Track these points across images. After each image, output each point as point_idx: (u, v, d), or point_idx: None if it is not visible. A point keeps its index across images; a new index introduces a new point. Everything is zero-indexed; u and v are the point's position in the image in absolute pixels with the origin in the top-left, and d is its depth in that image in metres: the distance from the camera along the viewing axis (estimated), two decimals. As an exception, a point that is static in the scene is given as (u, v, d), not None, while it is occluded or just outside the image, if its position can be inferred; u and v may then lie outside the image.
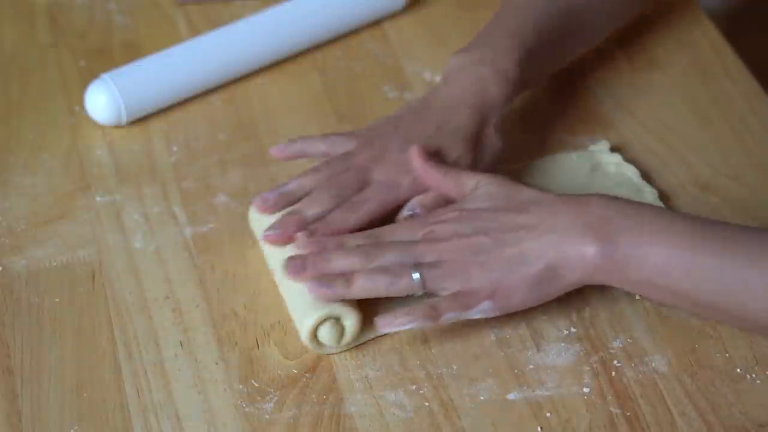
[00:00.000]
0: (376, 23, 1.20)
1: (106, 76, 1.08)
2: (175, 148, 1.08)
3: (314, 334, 0.91)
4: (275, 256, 0.95)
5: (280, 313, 0.94)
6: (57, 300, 0.96)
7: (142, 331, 0.94)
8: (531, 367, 0.91)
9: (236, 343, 0.93)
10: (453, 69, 1.02)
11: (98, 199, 1.04)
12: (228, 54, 1.12)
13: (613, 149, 1.06)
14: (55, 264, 0.99)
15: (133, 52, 1.17)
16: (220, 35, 1.13)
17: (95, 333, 0.94)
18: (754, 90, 1.12)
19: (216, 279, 0.97)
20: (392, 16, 1.21)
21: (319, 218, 0.95)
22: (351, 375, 0.91)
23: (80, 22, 1.21)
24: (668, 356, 0.91)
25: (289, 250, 0.94)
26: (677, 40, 1.17)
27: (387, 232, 0.93)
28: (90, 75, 1.12)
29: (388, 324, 0.89)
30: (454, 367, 0.91)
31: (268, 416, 0.88)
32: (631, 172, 1.03)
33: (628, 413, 0.88)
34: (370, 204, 0.96)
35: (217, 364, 0.91)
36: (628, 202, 0.90)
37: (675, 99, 1.12)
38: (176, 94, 1.10)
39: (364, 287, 0.89)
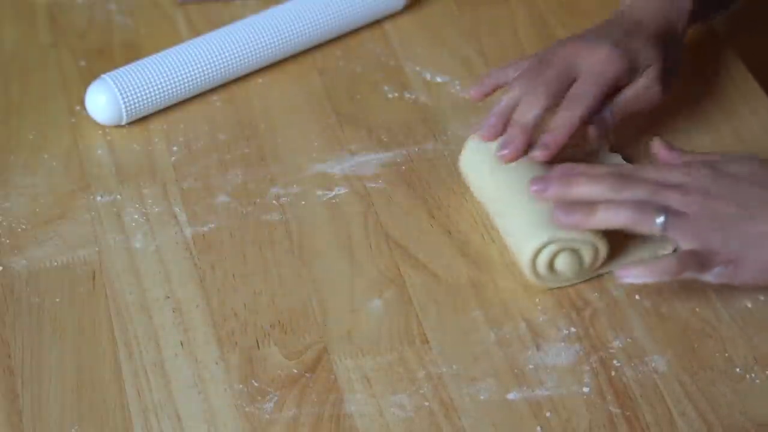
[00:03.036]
0: (376, 23, 1.20)
1: (106, 76, 1.08)
2: (175, 148, 1.08)
3: (534, 264, 0.93)
4: (502, 181, 0.97)
5: (280, 313, 0.95)
6: (57, 300, 0.96)
7: (143, 331, 0.94)
8: (531, 367, 0.91)
9: (236, 343, 0.93)
10: None
11: (98, 199, 1.04)
12: (228, 54, 1.12)
13: (613, 149, 1.06)
14: (55, 264, 0.99)
15: (133, 52, 1.17)
16: (220, 35, 1.13)
17: (95, 333, 0.94)
18: (754, 91, 1.12)
19: (216, 279, 0.97)
20: (392, 16, 1.21)
21: (539, 120, 0.97)
22: (351, 375, 0.91)
23: (80, 22, 1.21)
24: (668, 356, 0.91)
25: (517, 172, 0.96)
26: (677, 40, 1.17)
27: (634, 169, 0.92)
28: (90, 75, 1.12)
29: (629, 276, 0.88)
30: (454, 367, 0.91)
31: (268, 416, 0.88)
32: None
33: (628, 413, 0.88)
34: (587, 97, 0.98)
35: (217, 364, 0.92)
36: None
37: (675, 99, 1.12)
38: (176, 94, 1.10)
39: (606, 218, 0.89)
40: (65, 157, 1.08)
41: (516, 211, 0.96)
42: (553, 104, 0.98)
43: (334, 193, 1.04)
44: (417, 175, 1.05)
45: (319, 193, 1.04)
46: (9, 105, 1.13)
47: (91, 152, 1.08)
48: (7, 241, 1.00)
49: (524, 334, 0.93)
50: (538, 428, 0.87)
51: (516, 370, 0.91)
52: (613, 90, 1.00)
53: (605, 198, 0.90)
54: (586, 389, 0.89)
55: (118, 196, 1.04)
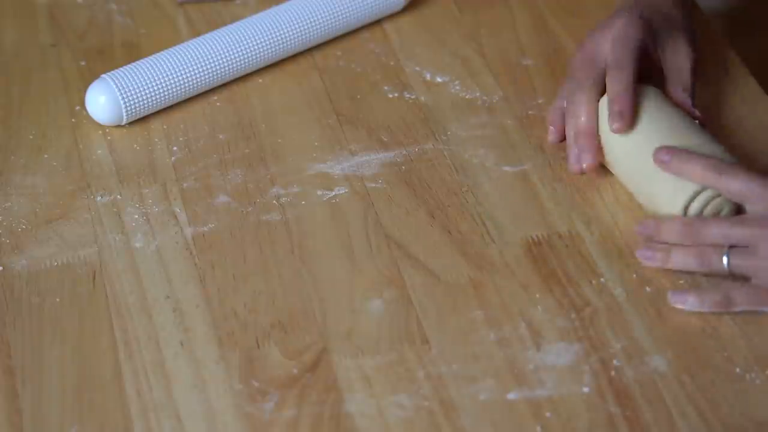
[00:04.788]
0: (376, 23, 1.20)
1: (106, 76, 1.08)
2: (175, 148, 1.08)
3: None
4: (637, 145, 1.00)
5: (280, 313, 0.95)
6: (57, 300, 0.96)
7: (143, 331, 0.94)
8: (531, 367, 0.91)
9: (236, 343, 0.93)
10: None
11: (98, 199, 1.04)
12: (228, 54, 1.12)
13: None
14: (55, 264, 0.99)
15: (133, 52, 1.17)
16: (220, 35, 1.13)
17: (96, 333, 0.94)
18: (753, 91, 1.12)
19: (216, 279, 0.97)
20: (392, 16, 1.21)
21: (594, 112, 1.03)
22: (351, 375, 0.91)
23: (80, 22, 1.21)
24: (668, 356, 0.91)
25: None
26: (677, 40, 1.17)
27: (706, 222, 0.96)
28: (90, 75, 1.12)
29: (679, 301, 0.94)
30: (454, 367, 0.91)
31: (268, 416, 0.88)
32: None
33: (628, 413, 0.88)
34: (625, 59, 1.02)
35: (217, 364, 0.92)
36: None
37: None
38: (176, 94, 1.10)
39: (677, 264, 0.95)
40: (65, 157, 1.08)
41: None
42: (598, 87, 1.03)
43: (334, 193, 1.04)
44: (417, 175, 1.05)
45: (319, 193, 1.04)
46: (9, 105, 1.13)
47: (91, 152, 1.08)
48: (7, 241, 1.00)
49: (524, 334, 0.93)
50: (538, 428, 0.87)
51: (516, 370, 0.91)
52: (643, 52, 1.04)
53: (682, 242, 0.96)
54: (586, 389, 0.89)
55: (118, 196, 1.04)
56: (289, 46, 1.15)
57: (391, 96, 1.13)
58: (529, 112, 1.11)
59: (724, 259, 0.93)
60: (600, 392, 0.89)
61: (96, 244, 1.00)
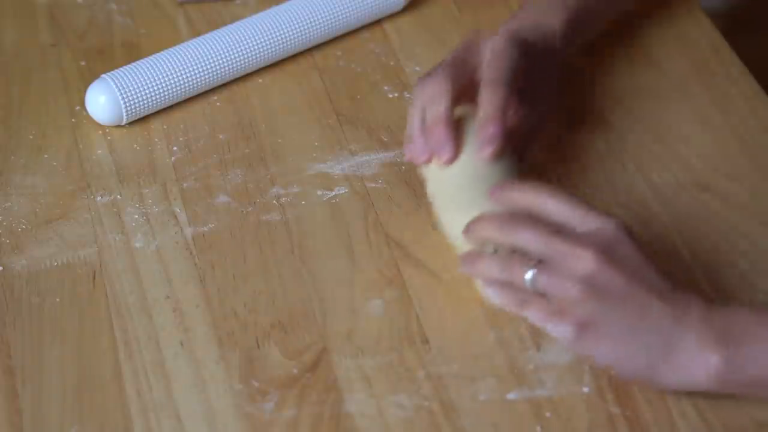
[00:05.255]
0: (376, 23, 1.20)
1: (106, 76, 1.08)
2: (175, 148, 1.08)
3: None
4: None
5: (280, 313, 0.95)
6: (57, 300, 0.96)
7: (143, 331, 0.94)
8: (531, 367, 0.91)
9: (236, 343, 0.93)
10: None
11: (98, 199, 1.04)
12: (228, 54, 1.12)
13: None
14: (55, 264, 0.99)
15: (133, 52, 1.17)
16: (220, 35, 1.13)
17: (96, 333, 0.94)
18: (753, 90, 1.12)
19: (216, 279, 0.97)
20: (392, 16, 1.21)
21: (452, 105, 0.94)
22: (351, 375, 0.91)
23: (80, 22, 1.21)
24: (668, 356, 0.91)
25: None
26: (677, 40, 1.17)
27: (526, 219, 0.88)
28: (90, 75, 1.12)
29: (488, 290, 0.88)
30: (454, 367, 0.91)
31: (268, 416, 0.88)
32: None
33: (628, 413, 0.88)
34: (504, 72, 0.94)
35: (217, 364, 0.92)
36: (726, 307, 0.86)
37: (674, 99, 1.12)
38: (176, 94, 1.10)
39: (479, 269, 0.89)
40: (65, 157, 1.08)
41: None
42: (455, 82, 0.95)
43: (334, 193, 1.04)
44: (417, 175, 1.05)
45: (319, 193, 1.04)
46: (9, 105, 1.13)
47: (91, 152, 1.08)
48: (7, 241, 1.00)
49: (524, 334, 0.93)
50: (538, 428, 0.87)
51: (516, 370, 0.91)
52: (520, 75, 0.95)
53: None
54: (586, 389, 0.89)
55: (118, 196, 1.04)
56: (289, 46, 1.15)
57: (391, 96, 1.13)
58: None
59: (529, 274, 0.86)
60: (600, 392, 0.89)
61: (96, 244, 1.00)
